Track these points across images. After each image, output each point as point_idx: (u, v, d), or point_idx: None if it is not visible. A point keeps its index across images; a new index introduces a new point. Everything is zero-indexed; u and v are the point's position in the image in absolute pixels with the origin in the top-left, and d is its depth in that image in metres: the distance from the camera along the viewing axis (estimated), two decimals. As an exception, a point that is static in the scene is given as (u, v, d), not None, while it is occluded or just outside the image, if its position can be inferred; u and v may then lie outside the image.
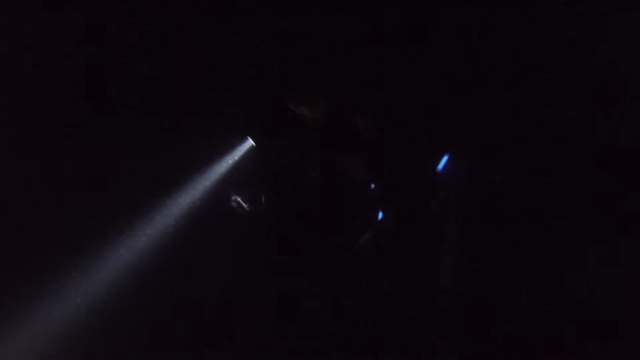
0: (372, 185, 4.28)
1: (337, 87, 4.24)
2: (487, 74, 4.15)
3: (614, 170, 3.93)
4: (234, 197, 4.20)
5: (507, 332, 3.89)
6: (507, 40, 4.11)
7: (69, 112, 4.17)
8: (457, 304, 4.03)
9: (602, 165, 3.95)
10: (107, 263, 4.14)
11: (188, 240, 4.22)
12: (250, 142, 4.34)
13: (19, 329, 3.91)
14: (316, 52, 4.22)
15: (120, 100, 4.22)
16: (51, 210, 4.08)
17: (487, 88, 4.13)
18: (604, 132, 4.00)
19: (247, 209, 4.20)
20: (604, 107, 4.00)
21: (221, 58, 4.28)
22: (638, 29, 3.94)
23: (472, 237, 4.07)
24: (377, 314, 4.11)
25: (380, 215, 4.24)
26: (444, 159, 4.11)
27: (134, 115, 4.22)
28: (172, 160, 4.22)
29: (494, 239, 4.03)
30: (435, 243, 4.13)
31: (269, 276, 4.27)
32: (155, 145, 4.21)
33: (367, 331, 4.09)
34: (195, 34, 4.25)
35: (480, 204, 4.09)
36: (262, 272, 4.29)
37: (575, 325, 3.83)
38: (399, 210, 4.23)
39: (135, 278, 4.14)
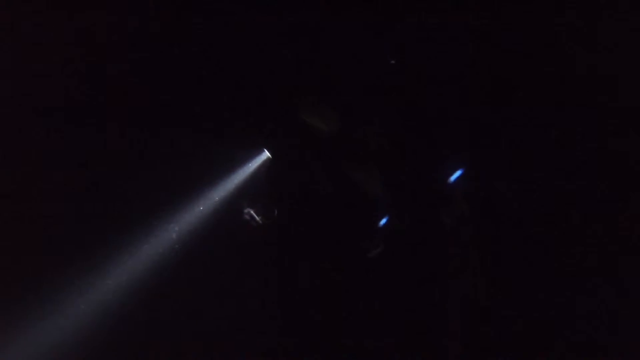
0: (381, 195, 4.28)
1: (348, 99, 4.23)
2: (495, 83, 4.14)
3: (615, 173, 3.95)
4: (247, 210, 4.18)
5: (512, 337, 3.92)
6: (511, 49, 4.10)
7: (82, 123, 4.17)
8: (465, 311, 4.06)
9: (604, 171, 3.96)
10: (111, 271, 4.14)
11: (198, 252, 4.22)
12: (266, 153, 4.33)
13: (22, 335, 3.91)
14: (327, 64, 4.20)
15: (135, 110, 4.21)
16: (58, 218, 4.08)
17: (493, 98, 4.13)
18: (607, 134, 4.01)
19: (260, 222, 4.18)
20: (606, 109, 4.01)
21: (233, 68, 4.27)
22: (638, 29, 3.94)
23: (482, 247, 4.09)
24: (386, 324, 4.14)
25: (385, 220, 4.25)
26: (457, 173, 4.11)
27: (147, 125, 4.22)
28: (187, 171, 4.22)
29: (501, 247, 4.06)
30: (445, 253, 4.15)
31: (280, 286, 4.28)
32: (168, 155, 4.22)
33: (375, 342, 4.11)
34: (211, 45, 4.24)
35: (489, 212, 4.10)
36: (273, 282, 4.28)
37: (575, 328, 3.86)
38: (410, 220, 4.23)
39: (140, 288, 4.14)
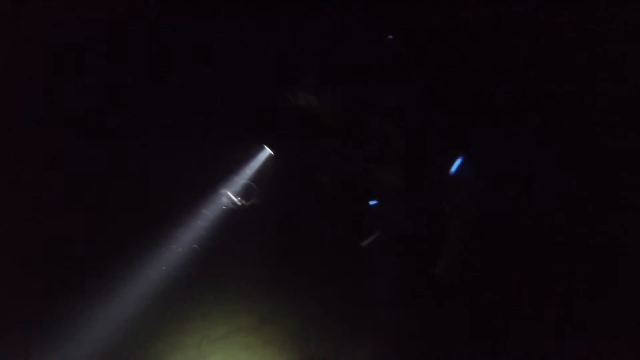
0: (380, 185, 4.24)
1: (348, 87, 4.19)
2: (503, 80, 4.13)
3: (615, 173, 3.95)
4: (223, 192, 4.13)
5: (511, 337, 3.93)
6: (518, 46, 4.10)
7: (83, 124, 4.18)
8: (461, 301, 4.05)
9: (604, 170, 3.97)
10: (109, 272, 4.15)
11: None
12: (267, 150, 4.31)
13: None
14: (327, 53, 4.19)
15: (133, 107, 4.21)
16: (58, 218, 4.10)
17: (493, 92, 4.13)
18: (607, 134, 4.01)
19: (239, 204, 4.11)
20: (606, 108, 4.02)
21: (230, 60, 4.25)
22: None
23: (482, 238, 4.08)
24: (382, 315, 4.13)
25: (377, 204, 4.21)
26: (458, 161, 4.07)
27: (143, 122, 4.21)
28: (192, 169, 4.21)
29: (502, 240, 4.05)
30: (445, 243, 4.13)
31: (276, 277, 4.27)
32: (168, 154, 4.20)
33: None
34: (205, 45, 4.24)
35: (490, 206, 4.09)
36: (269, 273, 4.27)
37: (574, 328, 3.87)
38: (412, 211, 4.20)
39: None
